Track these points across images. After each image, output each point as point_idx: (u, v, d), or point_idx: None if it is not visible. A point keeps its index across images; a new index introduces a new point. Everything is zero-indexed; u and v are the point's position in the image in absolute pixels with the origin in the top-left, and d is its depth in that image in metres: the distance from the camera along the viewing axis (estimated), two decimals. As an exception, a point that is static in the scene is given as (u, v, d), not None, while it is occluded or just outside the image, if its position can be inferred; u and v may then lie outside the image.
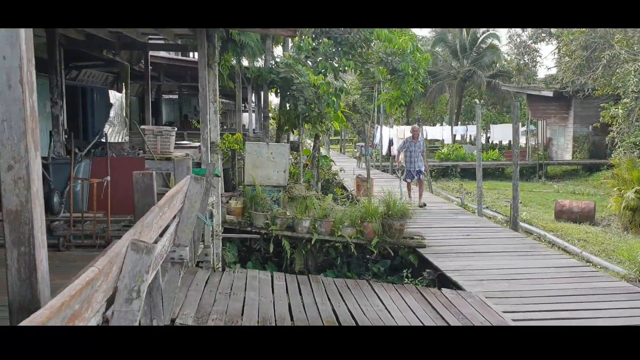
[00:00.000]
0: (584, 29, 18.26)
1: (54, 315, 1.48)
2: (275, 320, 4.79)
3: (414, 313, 5.06)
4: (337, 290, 5.81)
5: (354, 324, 4.67)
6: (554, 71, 27.05)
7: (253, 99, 26.00)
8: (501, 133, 24.25)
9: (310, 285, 5.85)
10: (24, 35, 1.74)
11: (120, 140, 11.31)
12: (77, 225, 6.05)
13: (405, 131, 17.42)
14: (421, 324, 4.75)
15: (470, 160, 24.05)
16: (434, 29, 33.67)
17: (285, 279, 6.08)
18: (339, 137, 35.76)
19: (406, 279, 7.30)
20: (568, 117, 25.40)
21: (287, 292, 5.51)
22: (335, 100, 9.45)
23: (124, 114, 11.91)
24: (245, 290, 5.58)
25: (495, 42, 32.12)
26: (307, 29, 8.93)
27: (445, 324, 4.71)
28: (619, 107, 15.73)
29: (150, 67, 14.89)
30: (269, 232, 7.69)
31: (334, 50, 9.16)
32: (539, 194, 18.74)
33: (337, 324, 4.66)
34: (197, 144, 10.11)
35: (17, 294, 1.78)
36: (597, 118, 23.24)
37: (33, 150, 1.78)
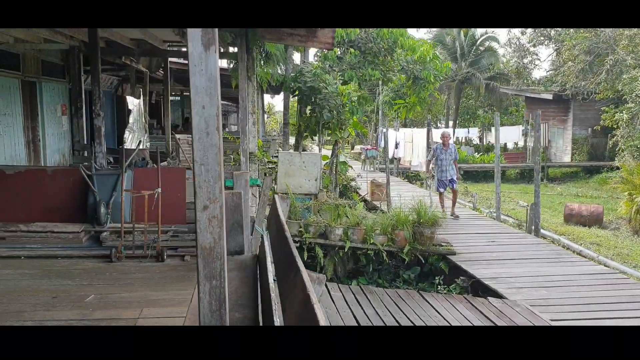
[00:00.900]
0: (587, 34, 18.61)
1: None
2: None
3: (471, 323, 5.23)
4: (391, 300, 5.97)
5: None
6: (552, 74, 27.45)
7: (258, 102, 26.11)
8: (503, 135, 24.51)
9: (366, 296, 6.00)
10: (219, 87, 1.88)
11: (141, 147, 11.37)
12: (126, 236, 6.15)
13: (415, 134, 17.56)
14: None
15: (472, 163, 24.34)
16: (431, 31, 33.90)
17: (340, 289, 6.23)
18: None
19: (438, 286, 7.48)
20: (567, 119, 25.76)
21: (347, 303, 5.66)
22: (358, 108, 9.61)
23: (143, 120, 11.95)
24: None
25: (494, 44, 32.44)
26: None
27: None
28: (623, 111, 16.06)
29: (161, 72, 14.97)
30: (302, 239, 7.83)
31: (358, 59, 9.34)
32: (544, 196, 18.97)
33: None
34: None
35: (209, 324, 1.91)
36: (596, 121, 23.64)
37: (222, 191, 1.92)
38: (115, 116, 21.54)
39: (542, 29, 25.04)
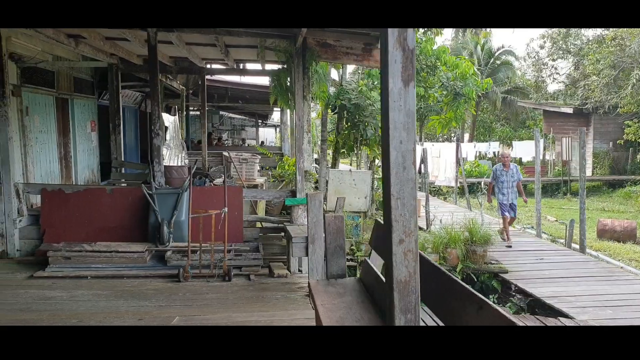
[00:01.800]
0: (612, 49, 18.63)
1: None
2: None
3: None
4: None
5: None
6: (568, 87, 27.43)
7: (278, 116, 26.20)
8: (524, 150, 24.47)
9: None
10: (415, 122, 1.90)
11: (179, 163, 11.44)
12: (191, 256, 6.16)
13: (442, 149, 17.55)
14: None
15: (493, 177, 24.26)
16: (449, 45, 34.02)
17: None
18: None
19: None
20: (588, 133, 25.67)
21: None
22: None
23: (180, 137, 12.02)
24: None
25: (510, 58, 32.51)
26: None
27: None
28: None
29: (190, 89, 15.11)
30: (354, 257, 7.81)
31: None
32: (569, 211, 18.92)
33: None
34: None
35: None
36: (616, 134, 23.61)
37: (417, 226, 1.93)
38: (138, 132, 21.71)
39: (561, 43, 25.13)
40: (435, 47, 9.47)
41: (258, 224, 7.91)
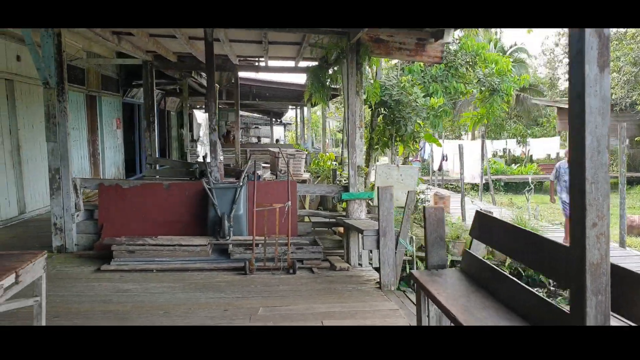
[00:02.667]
0: (632, 46, 18.65)
1: None
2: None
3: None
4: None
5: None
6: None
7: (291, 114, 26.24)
8: (540, 147, 24.51)
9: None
10: (609, 107, 1.94)
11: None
12: (253, 249, 6.20)
13: (466, 147, 17.55)
14: None
15: (510, 174, 24.31)
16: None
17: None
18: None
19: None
20: (603, 130, 25.63)
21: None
22: (438, 121, 9.67)
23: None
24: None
25: (523, 55, 32.50)
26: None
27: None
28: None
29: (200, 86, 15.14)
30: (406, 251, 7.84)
31: (443, 72, 9.42)
32: (590, 207, 18.91)
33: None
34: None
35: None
36: (632, 132, 23.59)
37: (609, 209, 1.97)
38: (157, 130, 21.74)
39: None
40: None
41: (305, 219, 7.96)
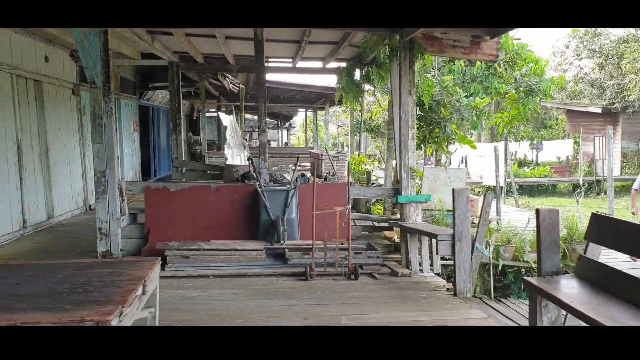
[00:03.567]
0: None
1: None
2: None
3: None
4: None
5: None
6: (595, 86, 27.35)
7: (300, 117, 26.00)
8: (553, 149, 24.36)
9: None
10: None
11: (242, 163, 11.26)
12: (310, 253, 5.98)
13: (486, 149, 17.37)
14: None
15: (523, 177, 24.14)
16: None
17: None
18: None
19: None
20: (616, 132, 25.55)
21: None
22: (477, 121, 9.48)
23: (240, 136, 11.84)
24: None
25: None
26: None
27: None
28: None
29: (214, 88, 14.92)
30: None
31: (483, 72, 9.24)
32: (607, 210, 18.78)
33: None
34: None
35: None
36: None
37: None
38: (169, 134, 21.44)
39: (589, 42, 25.03)
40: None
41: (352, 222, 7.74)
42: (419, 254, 5.96)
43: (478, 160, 16.45)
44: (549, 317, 3.38)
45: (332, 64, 11.15)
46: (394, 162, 11.39)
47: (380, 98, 13.05)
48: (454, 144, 10.56)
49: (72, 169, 10.47)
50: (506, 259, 7.61)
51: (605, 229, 3.43)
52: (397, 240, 7.59)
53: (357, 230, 7.07)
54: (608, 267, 3.27)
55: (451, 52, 7.04)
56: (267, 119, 29.20)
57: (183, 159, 11.33)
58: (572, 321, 3.23)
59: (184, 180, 10.91)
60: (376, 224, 7.27)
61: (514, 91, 9.56)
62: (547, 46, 69.79)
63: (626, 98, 21.09)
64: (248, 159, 7.84)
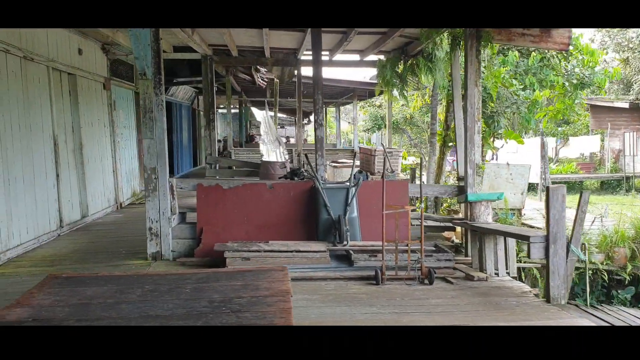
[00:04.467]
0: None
1: None
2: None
3: None
4: None
5: None
6: (623, 82, 26.73)
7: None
8: (580, 145, 23.83)
9: None
10: None
11: (278, 159, 10.87)
12: (383, 256, 5.59)
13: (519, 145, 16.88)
14: None
15: (550, 174, 23.62)
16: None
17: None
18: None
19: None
20: (640, 128, 25.02)
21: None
22: (530, 115, 9.05)
23: (275, 132, 11.47)
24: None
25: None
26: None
27: None
28: None
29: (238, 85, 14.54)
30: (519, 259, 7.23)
31: (538, 64, 8.80)
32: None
33: None
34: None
35: None
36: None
37: None
38: (191, 130, 21.11)
39: (616, 35, 24.46)
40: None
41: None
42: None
43: (511, 157, 15.96)
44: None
45: (371, 57, 10.76)
46: (434, 158, 10.98)
47: (416, 93, 12.58)
48: (500, 139, 10.13)
49: (105, 166, 10.13)
50: (613, 266, 7.19)
51: None
52: (456, 241, 7.19)
53: (418, 231, 6.65)
54: None
55: (520, 41, 6.60)
56: (284, 115, 28.81)
57: (216, 156, 10.98)
58: None
59: (217, 177, 10.55)
60: (440, 224, 6.86)
61: (566, 84, 9.09)
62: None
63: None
64: (302, 155, 7.44)
